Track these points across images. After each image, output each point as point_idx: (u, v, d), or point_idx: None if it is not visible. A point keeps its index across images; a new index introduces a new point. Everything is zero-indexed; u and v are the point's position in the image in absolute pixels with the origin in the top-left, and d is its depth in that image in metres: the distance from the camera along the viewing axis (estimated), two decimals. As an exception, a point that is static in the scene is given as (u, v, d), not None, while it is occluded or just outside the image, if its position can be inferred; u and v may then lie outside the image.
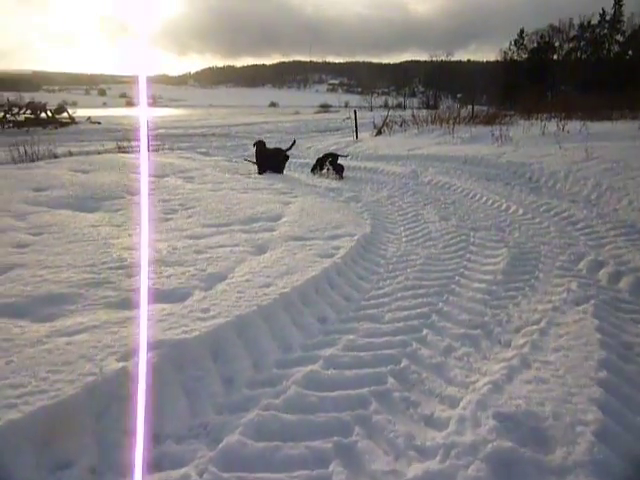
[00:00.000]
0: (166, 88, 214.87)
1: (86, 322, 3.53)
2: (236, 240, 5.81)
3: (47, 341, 3.23)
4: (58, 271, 4.54)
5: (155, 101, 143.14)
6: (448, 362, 3.45)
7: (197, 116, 50.84)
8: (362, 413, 2.85)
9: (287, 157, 12.02)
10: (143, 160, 12.59)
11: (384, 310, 4.33)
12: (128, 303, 3.94)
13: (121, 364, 2.95)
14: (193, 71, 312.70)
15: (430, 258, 5.72)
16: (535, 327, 3.89)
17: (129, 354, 3.08)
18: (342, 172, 11.47)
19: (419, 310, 4.26)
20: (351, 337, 3.78)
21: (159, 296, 4.11)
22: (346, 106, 69.10)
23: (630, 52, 59.96)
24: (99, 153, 13.84)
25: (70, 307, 3.84)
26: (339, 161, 11.79)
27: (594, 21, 61.96)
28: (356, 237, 6.10)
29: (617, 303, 4.36)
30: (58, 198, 7.74)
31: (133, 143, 15.88)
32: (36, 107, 32.92)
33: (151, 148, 15.20)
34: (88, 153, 14.00)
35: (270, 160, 11.69)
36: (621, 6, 61.19)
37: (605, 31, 62.08)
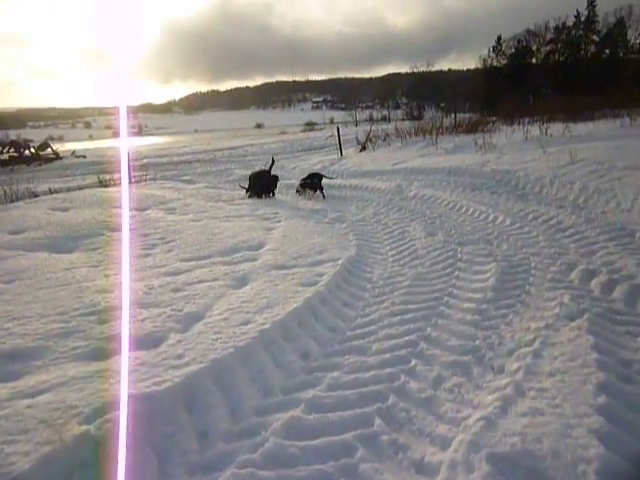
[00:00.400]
0: (151, 117, 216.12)
1: (51, 379, 3.31)
2: (216, 274, 5.61)
3: (7, 405, 3.01)
4: (26, 322, 4.32)
5: (141, 130, 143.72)
6: (438, 395, 3.24)
7: (182, 143, 50.79)
8: (347, 462, 2.64)
9: (276, 177, 11.80)
10: (124, 194, 12.43)
11: (370, 340, 4.12)
12: (98, 353, 3.73)
13: (84, 427, 2.73)
14: (177, 98, 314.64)
15: (417, 278, 5.52)
16: (528, 349, 3.69)
17: (94, 414, 2.86)
18: (322, 191, 11.34)
19: (407, 338, 4.06)
20: (335, 374, 3.57)
21: (132, 342, 3.89)
22: (331, 122, 69.46)
23: (607, 51, 60.65)
24: (80, 188, 13.62)
25: (36, 362, 3.63)
26: (323, 181, 11.63)
27: (569, 23, 62.73)
28: (340, 261, 5.91)
29: (612, 315, 4.17)
30: (34, 240, 7.51)
31: (116, 175, 15.68)
32: (19, 145, 32.80)
33: (133, 179, 15.00)
34: (69, 189, 13.78)
35: (258, 183, 11.50)
36: (595, 6, 62.01)
37: (580, 32, 62.79)
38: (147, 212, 9.51)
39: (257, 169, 13.00)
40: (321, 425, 2.98)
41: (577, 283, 4.97)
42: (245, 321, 4.19)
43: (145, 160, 27.03)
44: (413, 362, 3.65)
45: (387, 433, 2.87)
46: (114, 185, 14.25)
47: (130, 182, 14.70)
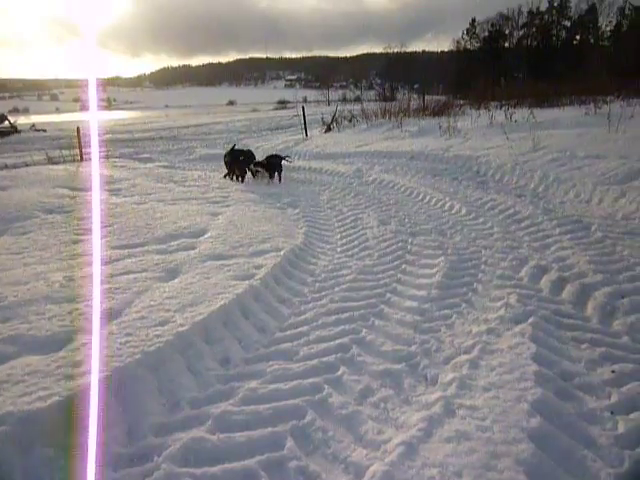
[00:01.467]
0: (120, 90, 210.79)
1: None
2: (146, 264, 5.19)
3: None
4: None
5: (109, 104, 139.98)
6: (361, 412, 2.92)
7: (149, 119, 49.44)
8: (246, 496, 2.31)
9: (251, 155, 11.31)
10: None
11: (300, 343, 3.79)
12: (-11, 358, 3.31)
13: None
14: (148, 72, 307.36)
15: (362, 272, 5.20)
16: (466, 357, 3.40)
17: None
18: (280, 173, 10.77)
19: (339, 341, 3.73)
20: (253, 384, 3.22)
21: (30, 345, 3.48)
22: (305, 101, 68.39)
23: (578, 37, 60.99)
24: (26, 165, 12.92)
25: None
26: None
27: (543, 8, 62.83)
28: (282, 252, 5.55)
29: (559, 318, 3.91)
30: (-39, 221, 6.96)
31: (68, 152, 14.94)
32: (-27, 117, 31.33)
33: (85, 157, 14.29)
34: (15, 166, 13.06)
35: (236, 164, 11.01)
36: (568, -8, 62.17)
37: (553, 17, 62.99)
38: (89, 193, 8.96)
39: (229, 147, 12.32)
40: (225, 448, 2.64)
41: (526, 281, 4.70)
42: (163, 321, 3.80)
43: (107, 136, 26.08)
44: (341, 370, 3.33)
45: (297, 458, 2.54)
46: (63, 162, 13.57)
47: (81, 160, 14.02)
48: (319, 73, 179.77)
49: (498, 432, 2.56)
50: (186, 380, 3.29)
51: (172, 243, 5.95)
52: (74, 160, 14.26)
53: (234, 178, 10.93)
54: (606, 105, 15.34)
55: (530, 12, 63.02)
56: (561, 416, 2.70)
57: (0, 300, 4.22)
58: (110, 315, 3.96)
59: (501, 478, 2.24)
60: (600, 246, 5.42)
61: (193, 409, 3.02)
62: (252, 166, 10.80)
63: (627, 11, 59.22)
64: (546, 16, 63.26)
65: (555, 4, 62.65)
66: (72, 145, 15.44)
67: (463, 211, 7.32)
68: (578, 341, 3.57)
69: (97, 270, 4.95)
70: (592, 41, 59.85)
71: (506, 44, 65.25)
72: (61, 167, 12.12)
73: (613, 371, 3.13)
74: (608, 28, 60.96)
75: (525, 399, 2.81)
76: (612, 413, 2.75)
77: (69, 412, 2.78)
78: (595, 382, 3.04)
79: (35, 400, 2.77)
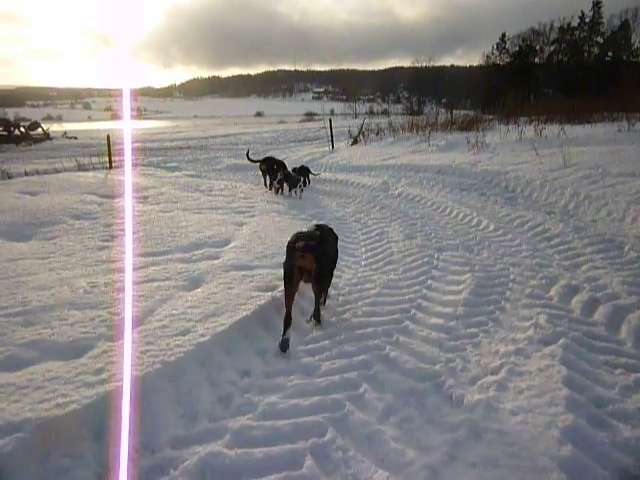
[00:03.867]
0: (151, 100, 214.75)
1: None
2: (169, 272, 5.18)
3: None
4: (-56, 321, 3.90)
5: (139, 113, 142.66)
6: (384, 431, 2.83)
7: (178, 128, 50.17)
8: (262, 516, 2.24)
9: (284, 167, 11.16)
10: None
11: (322, 358, 3.71)
12: (13, 363, 3.31)
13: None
14: (178, 82, 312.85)
15: (387, 286, 5.11)
16: (493, 378, 3.29)
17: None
18: (301, 187, 10.53)
19: (362, 357, 3.65)
20: (273, 399, 3.16)
21: (51, 351, 3.48)
22: (332, 113, 68.60)
23: (610, 54, 60.13)
24: (57, 171, 13.15)
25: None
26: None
27: (574, 23, 62.15)
28: (306, 264, 5.48)
29: (591, 341, 3.77)
30: (-6, 225, 7.09)
31: (98, 159, 15.18)
32: (9, 123, 32.10)
33: (114, 164, 14.50)
34: (46, 172, 13.30)
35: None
36: (600, 8, 61.43)
37: (584, 33, 62.25)
38: (117, 200, 9.06)
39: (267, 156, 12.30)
40: (242, 464, 2.58)
41: (556, 301, 4.56)
42: (184, 330, 3.77)
43: (136, 144, 26.49)
44: (363, 388, 3.25)
45: (316, 478, 2.47)
46: (93, 169, 13.78)
47: (110, 167, 14.23)
48: (347, 86, 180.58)
49: (527, 459, 2.45)
50: (205, 392, 3.24)
51: (196, 252, 5.94)
52: (103, 167, 14.48)
53: (272, 189, 10.91)
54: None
55: (561, 28, 62.41)
56: (594, 445, 2.57)
57: (24, 304, 4.24)
58: (132, 323, 3.95)
59: (530, 509, 2.14)
60: (634, 267, 5.23)
61: (211, 422, 2.97)
62: (275, 181, 10.75)
63: (661, 27, 58.32)
64: (577, 32, 62.56)
65: (587, 20, 61.99)
66: (102, 153, 15.69)
67: (491, 227, 7.18)
68: (611, 365, 3.42)
69: (127, 277, 4.98)
70: (625, 57, 58.93)
71: (536, 59, 64.63)
72: (90, 174, 12.29)
73: (649, 399, 2.98)
74: (642, 44, 60.03)
75: (556, 425, 2.68)
76: (648, 443, 2.61)
77: (87, 420, 2.76)
78: (630, 410, 2.90)
79: (54, 407, 2.75)
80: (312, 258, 4.00)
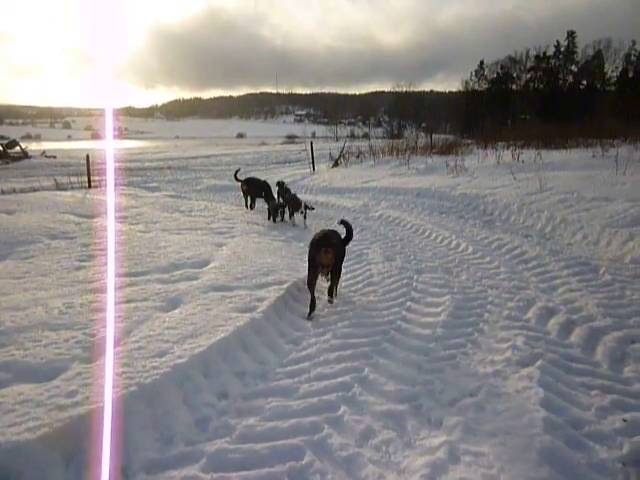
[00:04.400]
0: (132, 120, 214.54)
1: None
2: (147, 293, 5.12)
3: None
4: None
5: (120, 133, 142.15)
6: (362, 454, 2.81)
7: (159, 148, 50.08)
8: (238, 542, 2.19)
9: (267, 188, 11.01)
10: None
11: (301, 380, 3.68)
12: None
13: None
14: (160, 103, 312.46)
15: (366, 308, 5.12)
16: (472, 400, 3.29)
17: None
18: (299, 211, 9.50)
19: (341, 379, 3.63)
20: (251, 421, 3.12)
21: (24, 373, 3.40)
22: (313, 136, 69.18)
23: (584, 82, 61.87)
24: (34, 190, 12.99)
25: None
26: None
27: (549, 52, 63.95)
28: (286, 285, 5.48)
29: (567, 362, 3.80)
30: (-34, 245, 6.94)
31: (77, 178, 15.05)
32: (-14, 142, 31.75)
33: (94, 184, 14.38)
34: (23, 190, 13.14)
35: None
36: (574, 38, 63.36)
37: (560, 62, 64.04)
38: (95, 220, 8.96)
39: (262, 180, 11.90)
40: (219, 489, 2.52)
41: (534, 323, 4.60)
42: (161, 352, 3.72)
43: (116, 164, 26.34)
44: (341, 410, 3.22)
45: (294, 503, 2.43)
46: (71, 189, 13.65)
47: (90, 187, 14.11)
48: (328, 109, 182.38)
49: (505, 482, 2.45)
50: (181, 415, 3.19)
51: (175, 273, 5.89)
52: (82, 187, 14.36)
53: (271, 218, 10.09)
54: (613, 148, 15.40)
55: (537, 56, 64.12)
56: (571, 467, 2.58)
57: (-3, 326, 4.15)
58: (108, 344, 3.88)
59: (508, 532, 2.13)
60: (609, 289, 5.32)
61: (187, 445, 2.91)
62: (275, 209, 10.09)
63: (633, 58, 60.24)
64: (553, 60, 64.32)
65: (562, 49, 63.83)
66: (81, 172, 15.57)
67: (469, 250, 7.25)
68: (588, 387, 3.45)
69: (109, 295, 4.92)
70: (598, 86, 60.66)
71: (513, 86, 66.22)
72: (69, 193, 12.17)
73: (625, 420, 3.01)
74: (614, 74, 61.93)
75: (534, 447, 2.69)
76: (624, 465, 2.62)
77: (58, 444, 2.69)
78: (606, 431, 2.92)
79: (24, 431, 2.68)
80: (333, 254, 5.05)
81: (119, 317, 4.43)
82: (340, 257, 5.27)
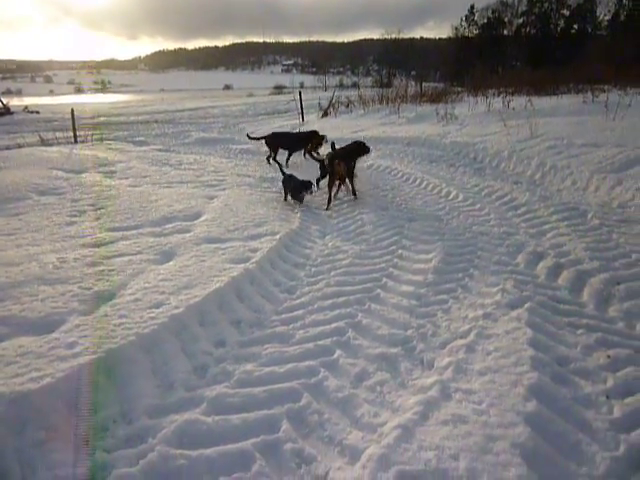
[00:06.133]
0: (115, 73, 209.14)
1: None
2: (140, 246, 5.15)
3: None
4: None
5: (104, 87, 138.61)
6: (357, 395, 2.91)
7: (144, 102, 49.06)
8: (241, 478, 2.30)
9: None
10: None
11: (296, 327, 3.76)
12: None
13: None
14: (143, 55, 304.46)
15: (358, 256, 5.17)
16: (462, 342, 3.39)
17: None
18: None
19: (335, 325, 3.71)
20: (249, 367, 3.21)
21: (22, 327, 3.46)
22: (301, 86, 68.00)
23: (575, 26, 60.73)
24: (19, 146, 12.78)
25: None
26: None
27: (543, -5, 62.47)
28: (278, 236, 5.52)
29: (555, 304, 3.90)
30: (-49, 202, 6.89)
31: (62, 134, 14.81)
32: (-34, 97, 30.91)
33: (79, 139, 14.16)
34: (8, 147, 12.92)
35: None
36: (566, -20, 61.77)
37: (552, 6, 62.62)
38: (83, 175, 8.89)
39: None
40: (220, 430, 2.62)
41: (523, 267, 4.69)
42: (157, 303, 3.77)
43: (101, 119, 25.88)
44: (337, 354, 3.31)
45: (293, 441, 2.53)
46: (57, 144, 13.44)
47: (75, 142, 13.89)
48: (316, 58, 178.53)
49: (494, 416, 2.56)
50: (180, 363, 3.26)
51: (167, 226, 5.90)
52: (68, 142, 14.13)
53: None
54: (604, 94, 15.28)
55: (529, 0, 62.62)
56: (557, 400, 2.70)
57: (-9, 281, 4.18)
58: (104, 297, 3.93)
59: (497, 461, 2.24)
60: (597, 233, 5.40)
61: (188, 391, 3.00)
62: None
63: (624, 1, 58.95)
64: (545, 4, 62.85)
65: (554, -8, 62.35)
66: (66, 127, 15.30)
67: (460, 197, 7.29)
68: (574, 326, 3.55)
69: (91, 251, 4.92)
70: (590, 30, 59.58)
71: (505, 32, 64.88)
72: (55, 149, 11.98)
73: (609, 356, 3.12)
74: (606, 18, 60.72)
75: (521, 383, 2.80)
76: (607, 397, 2.74)
77: (62, 394, 2.76)
78: (591, 367, 3.04)
79: (27, 381, 2.74)
80: (343, 165, 7.26)
81: (113, 270, 4.47)
82: (350, 167, 7.37)
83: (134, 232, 5.67)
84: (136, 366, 3.11)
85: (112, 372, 3.00)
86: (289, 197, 7.47)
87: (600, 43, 42.20)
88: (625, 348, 3.21)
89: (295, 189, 7.32)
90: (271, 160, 10.34)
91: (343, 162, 7.23)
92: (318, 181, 7.93)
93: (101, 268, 4.54)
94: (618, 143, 8.63)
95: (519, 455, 2.26)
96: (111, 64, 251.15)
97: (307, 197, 7.31)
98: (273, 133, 11.27)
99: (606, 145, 8.66)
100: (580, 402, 2.72)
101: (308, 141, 10.68)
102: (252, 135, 11.73)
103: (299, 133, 11.01)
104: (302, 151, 10.94)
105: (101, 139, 14.63)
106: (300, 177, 7.41)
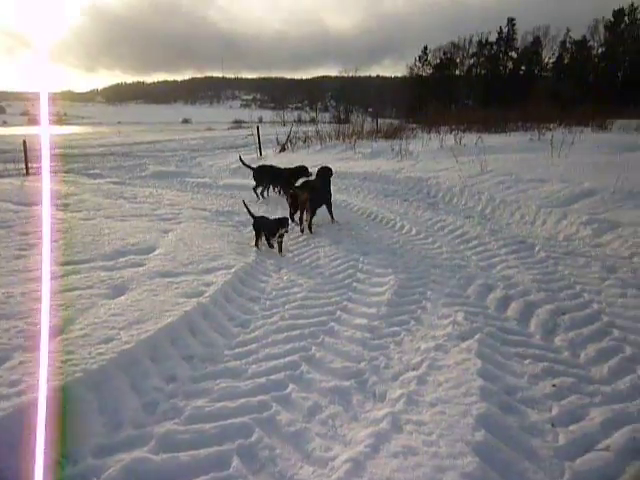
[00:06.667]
0: (72, 105, 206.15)
1: None
2: (92, 280, 5.04)
3: None
4: None
5: (60, 118, 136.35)
6: (310, 429, 2.90)
7: (100, 135, 48.50)
8: (189, 517, 2.24)
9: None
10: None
11: (249, 361, 3.73)
12: None
13: None
14: (101, 87, 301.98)
15: (313, 290, 5.20)
16: (414, 373, 3.44)
17: None
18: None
19: (288, 359, 3.70)
20: (200, 403, 3.16)
21: (-37, 365, 3.31)
22: (260, 121, 68.54)
23: (523, 67, 63.79)
24: (-33, 179, 12.42)
25: None
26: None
27: (492, 38, 65.53)
28: (233, 269, 5.50)
29: (504, 335, 4.01)
30: None
31: (13, 165, 14.48)
32: None
33: (31, 171, 13.86)
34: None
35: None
36: (514, 25, 65.08)
37: (501, 48, 65.73)
38: (35, 208, 8.68)
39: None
40: (167, 468, 2.56)
41: (473, 299, 4.81)
42: (107, 338, 3.69)
43: (56, 150, 25.39)
44: (290, 388, 3.30)
45: (243, 478, 2.50)
46: (8, 176, 13.12)
47: (27, 174, 13.60)
48: (275, 94, 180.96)
49: (444, 446, 2.59)
50: (130, 399, 3.18)
51: (120, 260, 5.81)
52: (19, 174, 13.82)
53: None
54: (550, 132, 16.01)
55: (480, 42, 65.61)
56: (505, 429, 2.76)
57: None
58: (52, 333, 3.82)
59: (446, 492, 2.26)
60: (543, 265, 5.61)
61: (136, 429, 2.92)
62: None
63: (568, 45, 62.48)
64: (494, 47, 65.93)
65: (503, 36, 65.47)
66: (18, 159, 14.97)
67: (413, 231, 7.45)
68: (522, 356, 3.66)
69: (39, 286, 4.79)
70: (536, 72, 62.72)
71: (457, 72, 67.57)
72: (6, 181, 11.70)
73: (554, 385, 3.22)
74: (551, 60, 64.13)
75: (470, 413, 2.85)
76: (553, 425, 2.82)
77: (2, 434, 2.65)
78: (537, 396, 3.12)
79: (-36, 422, 2.63)
80: (307, 196, 7.66)
81: (62, 305, 4.36)
82: (314, 197, 7.73)
83: (85, 266, 5.56)
84: (83, 404, 3.02)
85: (57, 410, 2.90)
86: (260, 242, 6.72)
87: (546, 84, 44.42)
88: (570, 377, 3.32)
89: (270, 231, 6.60)
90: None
91: (308, 193, 7.70)
92: (292, 215, 7.99)
93: (50, 303, 4.41)
94: (563, 179, 9.04)
95: (467, 485, 2.29)
96: (68, 96, 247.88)
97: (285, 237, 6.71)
98: (260, 166, 11.09)
99: (552, 180, 9.06)
100: (527, 430, 2.78)
101: (298, 177, 10.20)
102: (244, 161, 11.55)
103: (289, 168, 10.68)
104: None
105: (55, 172, 14.34)
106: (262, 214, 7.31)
